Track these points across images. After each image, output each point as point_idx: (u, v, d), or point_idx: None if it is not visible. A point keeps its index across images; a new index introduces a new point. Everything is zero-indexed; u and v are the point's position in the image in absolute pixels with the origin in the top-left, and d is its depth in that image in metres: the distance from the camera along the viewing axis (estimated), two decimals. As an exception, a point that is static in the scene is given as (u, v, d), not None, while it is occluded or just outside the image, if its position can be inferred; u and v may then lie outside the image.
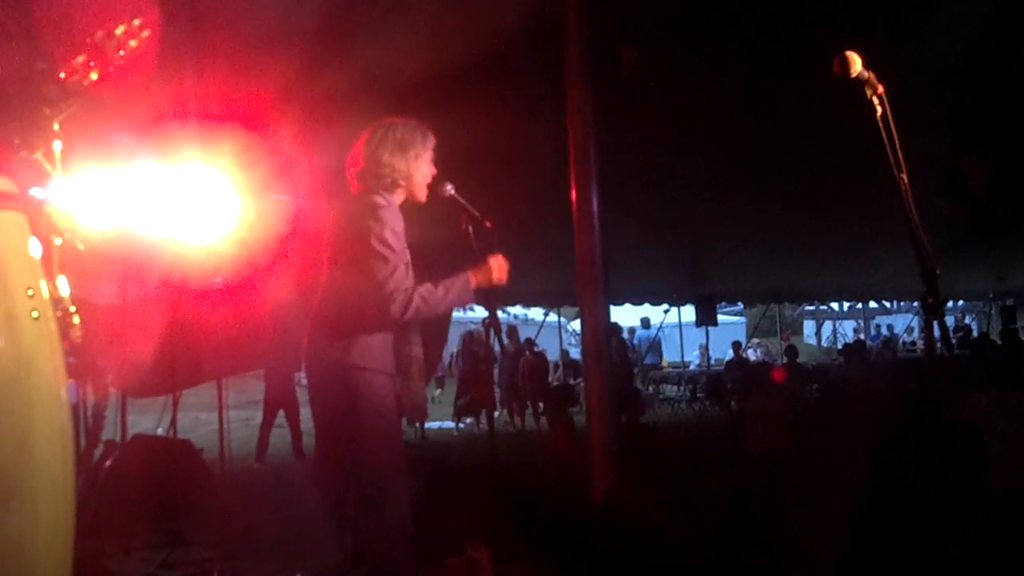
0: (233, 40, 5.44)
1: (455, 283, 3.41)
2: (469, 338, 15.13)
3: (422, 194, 3.61)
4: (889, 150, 2.61)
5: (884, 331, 26.09)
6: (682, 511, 4.75)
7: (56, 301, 2.22)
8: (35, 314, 2.09)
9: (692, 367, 20.95)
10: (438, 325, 12.98)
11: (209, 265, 5.79)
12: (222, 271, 5.98)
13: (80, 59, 2.27)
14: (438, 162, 3.67)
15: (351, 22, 5.70)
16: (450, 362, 17.48)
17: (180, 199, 4.99)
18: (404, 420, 11.02)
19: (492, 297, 4.03)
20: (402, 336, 3.43)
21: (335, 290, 3.44)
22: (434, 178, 3.65)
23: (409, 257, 3.47)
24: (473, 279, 3.45)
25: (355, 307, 3.33)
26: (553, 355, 17.49)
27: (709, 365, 20.09)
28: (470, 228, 3.70)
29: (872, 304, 24.15)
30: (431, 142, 3.60)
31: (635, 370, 18.05)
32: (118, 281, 6.97)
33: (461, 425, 14.56)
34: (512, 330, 16.26)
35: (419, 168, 3.55)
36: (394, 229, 3.37)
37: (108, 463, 6.31)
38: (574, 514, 5.47)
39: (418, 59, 5.84)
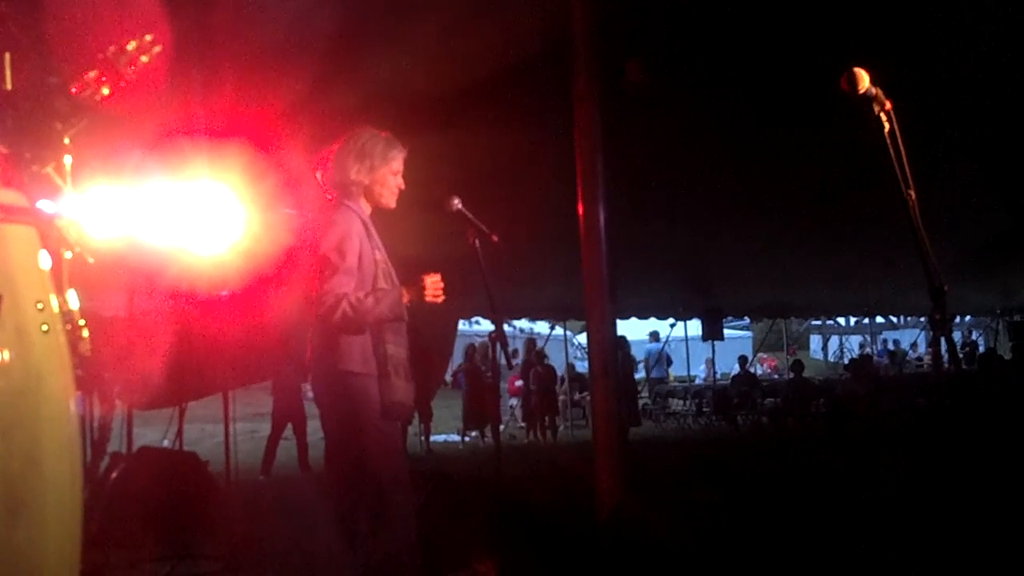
0: (242, 56, 5.47)
1: (387, 296, 3.44)
2: (472, 351, 15.13)
3: (388, 202, 3.65)
4: (897, 167, 2.60)
5: (891, 346, 26.00)
6: (687, 526, 4.74)
7: (66, 314, 2.23)
8: (45, 328, 2.10)
9: (698, 381, 20.90)
10: (443, 338, 13.01)
11: (216, 278, 5.80)
12: (229, 284, 6.00)
13: (92, 74, 2.28)
14: (446, 177, 3.68)
15: (360, 39, 5.73)
16: (455, 375, 17.50)
17: (188, 212, 5.01)
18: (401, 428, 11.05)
19: (498, 310, 4.04)
20: (376, 336, 3.44)
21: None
22: (441, 192, 3.67)
23: (377, 258, 3.50)
24: (406, 295, 3.46)
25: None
26: (559, 368, 17.47)
27: (715, 379, 20.05)
28: (477, 242, 3.72)
29: (879, 319, 24.06)
30: (396, 152, 3.62)
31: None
32: (126, 293, 6.99)
33: (467, 438, 14.55)
34: (531, 343, 16.29)
35: (377, 179, 3.58)
36: (348, 233, 3.43)
37: (114, 475, 6.32)
38: (580, 528, 5.46)
39: (427, 75, 5.87)
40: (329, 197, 3.62)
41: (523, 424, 15.49)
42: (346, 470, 3.43)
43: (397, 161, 3.62)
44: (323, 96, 5.81)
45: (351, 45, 5.68)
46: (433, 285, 3.49)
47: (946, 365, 2.87)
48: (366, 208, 3.61)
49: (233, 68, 5.57)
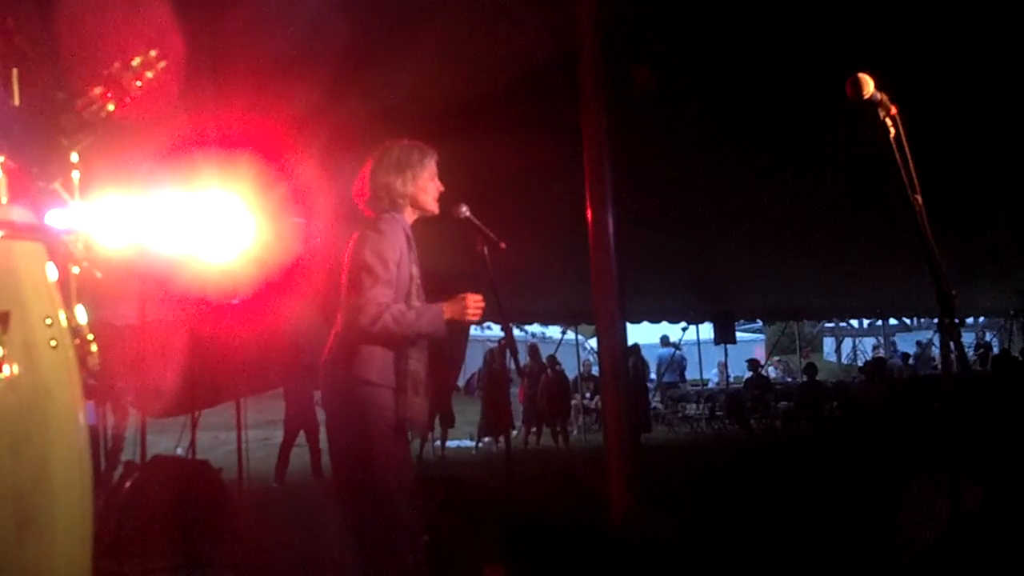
0: (253, 67, 5.50)
1: (428, 311, 3.43)
2: (490, 356, 15.12)
3: (432, 207, 3.65)
4: (903, 171, 2.59)
5: (910, 348, 25.74)
6: (698, 533, 4.73)
7: (74, 329, 2.24)
8: (53, 343, 2.11)
9: (711, 385, 20.84)
10: (455, 344, 13.01)
11: (227, 286, 5.84)
12: (240, 292, 6.03)
13: (97, 90, 2.30)
14: (456, 185, 3.68)
15: (369, 51, 5.75)
16: (468, 381, 17.47)
17: (199, 221, 5.04)
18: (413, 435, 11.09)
19: (507, 317, 4.04)
20: (399, 351, 3.43)
21: (344, 307, 3.48)
22: (449, 200, 3.67)
23: (413, 273, 3.50)
24: (447, 311, 3.46)
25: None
26: (571, 373, 17.42)
27: (728, 383, 19.98)
28: (485, 250, 3.72)
29: (892, 321, 23.96)
30: (431, 159, 3.62)
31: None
32: (137, 302, 7.01)
33: (480, 444, 14.54)
34: (533, 348, 16.22)
35: (420, 187, 3.58)
36: (392, 244, 3.42)
37: (128, 484, 6.32)
38: (591, 534, 5.45)
39: (435, 85, 5.88)
40: (371, 215, 3.60)
41: (534, 429, 15.43)
42: (353, 478, 3.43)
43: (432, 166, 3.62)
44: (333, 107, 5.83)
45: (360, 56, 5.70)
46: (475, 304, 3.50)
47: (956, 368, 2.87)
48: (411, 217, 3.61)
49: (243, 79, 5.60)
